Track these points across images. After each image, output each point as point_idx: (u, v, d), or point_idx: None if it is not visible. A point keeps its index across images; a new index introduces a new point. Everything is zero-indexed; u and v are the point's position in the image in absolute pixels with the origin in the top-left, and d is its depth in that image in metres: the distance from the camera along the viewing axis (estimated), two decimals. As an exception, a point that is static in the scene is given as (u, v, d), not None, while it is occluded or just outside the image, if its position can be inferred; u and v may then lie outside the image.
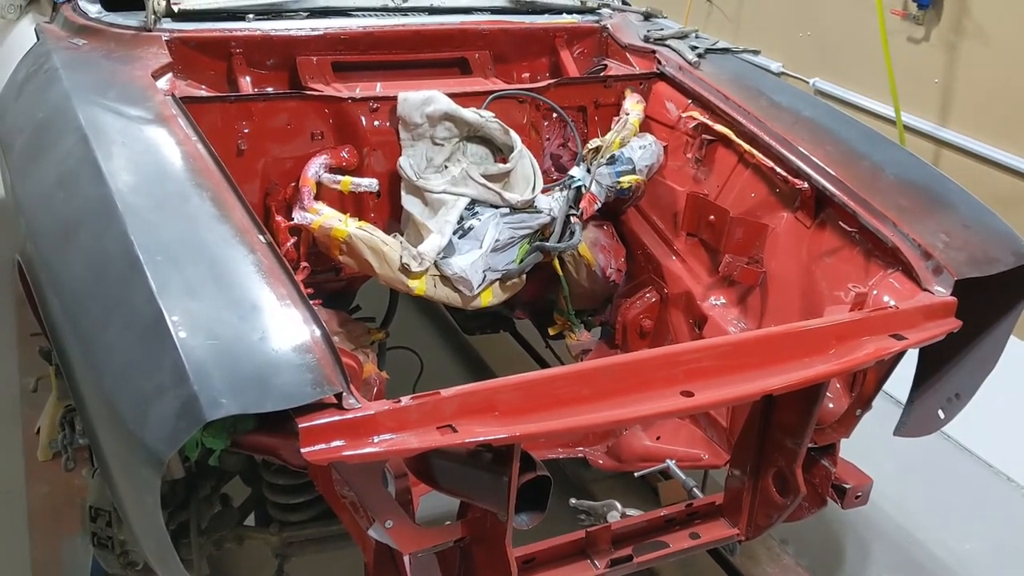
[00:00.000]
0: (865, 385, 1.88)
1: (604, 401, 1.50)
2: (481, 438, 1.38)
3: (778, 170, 2.20)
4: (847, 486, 1.96)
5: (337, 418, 1.33)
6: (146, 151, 1.80)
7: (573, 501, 2.03)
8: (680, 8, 4.86)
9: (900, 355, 1.80)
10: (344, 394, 1.35)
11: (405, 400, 1.38)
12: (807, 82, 4.18)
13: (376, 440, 1.35)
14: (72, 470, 2.68)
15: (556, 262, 2.44)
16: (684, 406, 1.52)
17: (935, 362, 2.03)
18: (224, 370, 1.33)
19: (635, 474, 2.16)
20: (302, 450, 1.32)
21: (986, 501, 3.07)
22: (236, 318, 1.42)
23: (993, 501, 3.09)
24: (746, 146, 2.29)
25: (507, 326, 2.93)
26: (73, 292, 1.55)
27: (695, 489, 2.08)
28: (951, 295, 1.82)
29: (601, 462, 2.35)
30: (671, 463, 2.14)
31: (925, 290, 1.84)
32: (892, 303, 1.83)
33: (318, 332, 1.44)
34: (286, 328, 1.43)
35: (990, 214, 2.00)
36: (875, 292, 1.93)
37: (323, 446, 1.32)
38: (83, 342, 1.48)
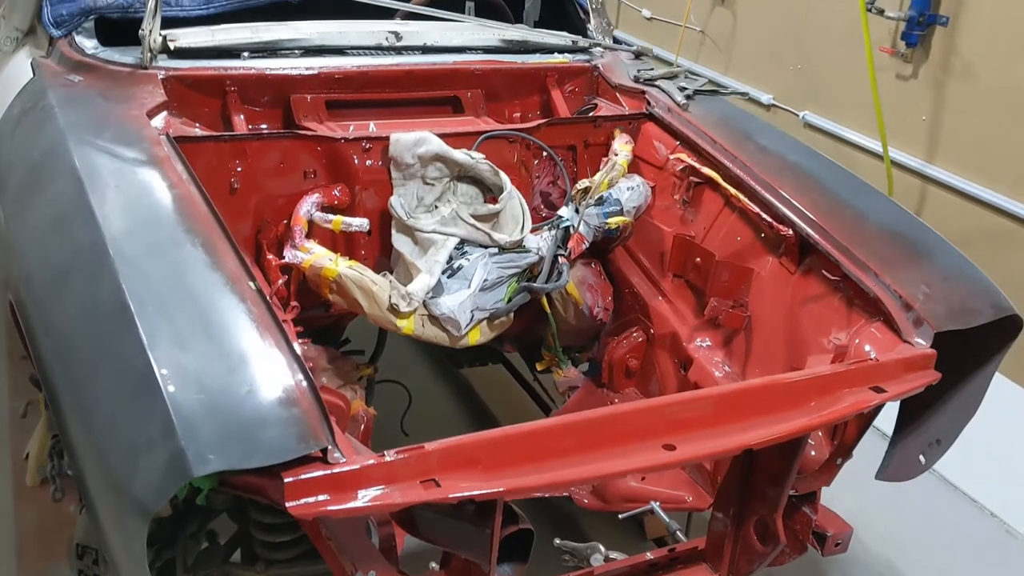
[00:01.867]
0: (846, 434, 1.91)
1: (587, 454, 1.52)
2: (464, 493, 1.40)
3: (763, 215, 2.23)
4: (828, 533, 1.98)
5: (322, 472, 1.35)
6: (139, 195, 1.82)
7: (557, 541, 2.05)
8: (674, 38, 4.91)
9: (880, 406, 1.82)
10: (329, 448, 1.37)
11: (389, 455, 1.40)
12: (797, 115, 4.22)
13: (360, 495, 1.37)
14: (60, 500, 2.69)
15: (544, 300, 2.46)
16: (666, 460, 1.55)
17: (916, 408, 2.05)
18: (211, 425, 1.34)
19: (619, 516, 2.18)
20: (287, 504, 1.34)
21: (970, 536, 3.10)
22: (225, 370, 1.44)
23: (977, 536, 3.12)
24: (732, 190, 2.32)
25: (496, 359, 2.96)
26: (65, 339, 1.56)
27: (678, 532, 2.10)
28: (931, 347, 1.85)
29: (587, 501, 2.37)
30: (655, 505, 2.16)
31: (905, 341, 1.87)
32: (873, 354, 1.86)
33: (305, 384, 1.46)
34: (273, 381, 1.45)
35: (970, 266, 2.03)
36: (857, 340, 1.96)
37: (308, 500, 1.34)
38: (74, 390, 1.49)
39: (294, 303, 2.19)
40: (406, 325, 2.17)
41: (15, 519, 2.81)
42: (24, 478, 2.86)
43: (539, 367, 2.69)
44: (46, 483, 2.75)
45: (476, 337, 2.28)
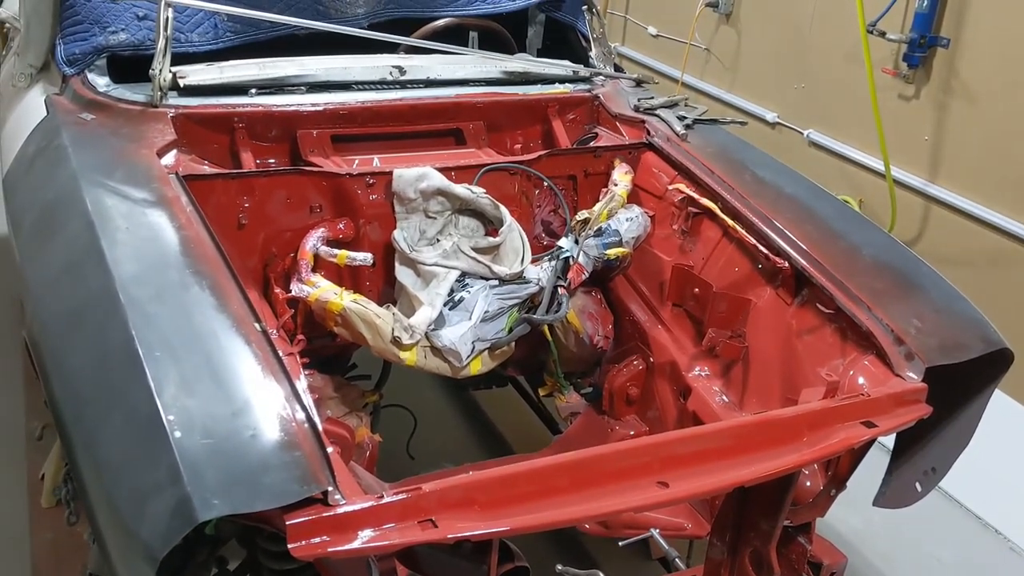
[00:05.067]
0: (840, 466, 1.94)
1: (582, 492, 1.56)
2: (461, 534, 1.44)
3: (760, 247, 2.26)
4: (823, 563, 2.01)
5: (323, 515, 1.40)
6: (149, 238, 1.87)
7: (559, 568, 2.09)
8: (679, 55, 4.95)
9: (872, 440, 1.85)
10: (330, 490, 1.42)
11: (387, 496, 1.44)
12: (802, 133, 4.25)
13: (360, 535, 1.41)
14: (74, 524, 2.75)
15: (545, 328, 2.51)
16: (659, 498, 1.59)
17: (911, 438, 2.08)
18: (216, 470, 1.39)
19: (619, 543, 2.21)
20: (289, 546, 1.38)
21: (974, 554, 3.12)
22: (229, 414, 1.49)
23: (981, 554, 3.13)
24: (730, 221, 2.36)
25: (500, 383, 3.00)
26: (76, 382, 1.62)
27: (677, 560, 2.14)
28: (922, 381, 1.88)
29: (588, 526, 2.40)
30: (655, 532, 2.20)
31: (897, 375, 1.90)
32: (865, 388, 1.89)
33: (307, 426, 1.51)
34: (276, 424, 1.49)
35: (961, 300, 2.06)
36: (851, 373, 1.99)
37: (309, 542, 1.39)
38: (84, 433, 1.55)
39: (300, 336, 2.24)
40: (409, 357, 2.22)
41: (31, 540, 2.86)
42: (40, 499, 2.93)
43: (542, 392, 2.74)
44: (61, 505, 2.81)
45: (478, 367, 2.32)
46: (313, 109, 2.45)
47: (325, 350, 2.45)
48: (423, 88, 2.64)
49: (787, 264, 2.19)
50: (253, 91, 2.45)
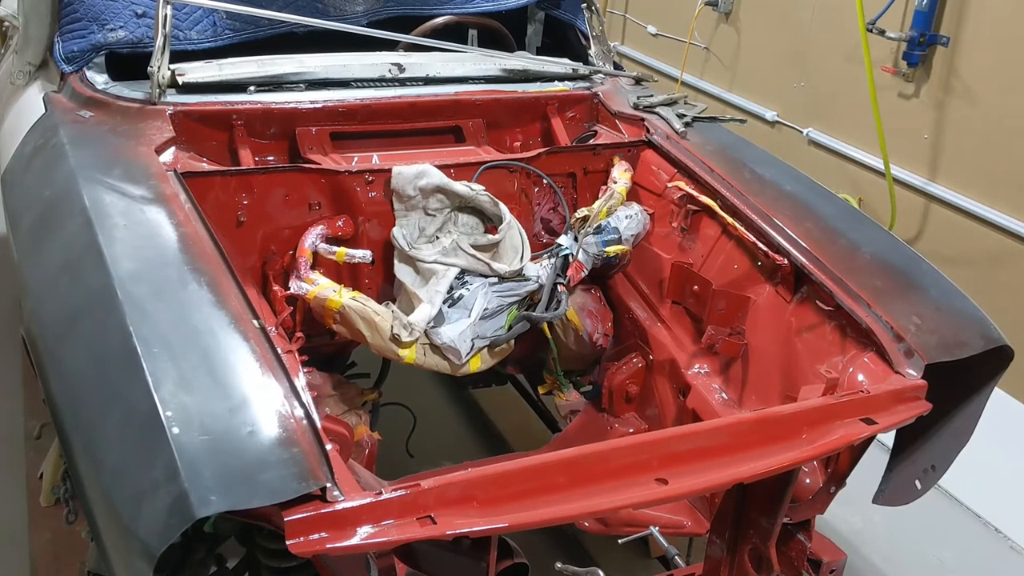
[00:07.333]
0: (839, 463, 1.94)
1: (581, 489, 1.56)
2: (460, 530, 1.44)
3: (760, 245, 2.26)
4: (823, 561, 2.01)
5: (321, 511, 1.39)
6: (147, 235, 1.87)
7: (558, 565, 2.09)
8: (679, 54, 4.95)
9: (871, 437, 1.85)
10: (328, 487, 1.42)
11: (386, 492, 1.44)
12: (801, 132, 4.24)
13: (358, 532, 1.41)
14: (73, 523, 2.75)
15: (545, 326, 2.50)
16: (658, 495, 1.58)
17: (911, 435, 2.08)
18: (214, 466, 1.39)
19: (619, 540, 2.21)
20: (288, 543, 1.38)
21: (975, 553, 3.11)
22: (227, 411, 1.49)
23: (982, 553, 3.13)
24: (729, 219, 2.35)
25: (499, 381, 2.99)
26: (74, 380, 1.61)
27: (676, 558, 2.14)
28: (922, 378, 1.88)
29: (587, 524, 2.40)
30: (654, 530, 2.20)
31: (897, 372, 1.90)
32: (865, 385, 1.89)
33: (305, 422, 1.50)
34: (274, 421, 1.49)
35: (961, 297, 2.06)
36: (851, 370, 1.99)
37: (308, 539, 1.39)
38: (82, 430, 1.54)
39: (299, 333, 2.23)
40: (408, 354, 2.22)
41: (30, 540, 2.86)
42: (39, 498, 2.93)
43: (541, 390, 2.74)
44: (60, 504, 2.81)
45: (477, 365, 2.32)
46: (312, 106, 2.44)
47: (324, 348, 2.45)
48: (422, 86, 2.64)
49: (786, 261, 2.19)
50: (252, 88, 2.45)
